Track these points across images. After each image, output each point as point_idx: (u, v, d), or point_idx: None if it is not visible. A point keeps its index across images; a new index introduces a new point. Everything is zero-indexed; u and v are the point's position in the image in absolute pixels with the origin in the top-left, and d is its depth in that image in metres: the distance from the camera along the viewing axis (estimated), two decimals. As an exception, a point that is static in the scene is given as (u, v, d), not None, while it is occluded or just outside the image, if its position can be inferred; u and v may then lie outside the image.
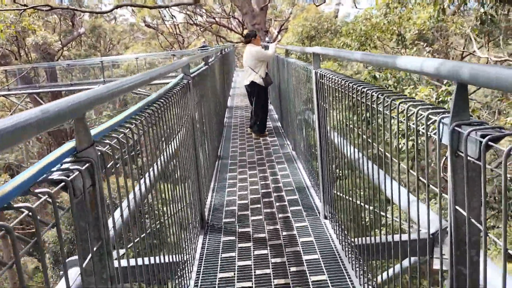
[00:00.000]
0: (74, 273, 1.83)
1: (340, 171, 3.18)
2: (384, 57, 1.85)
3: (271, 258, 3.24)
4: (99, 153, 1.33)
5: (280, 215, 4.03)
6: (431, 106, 1.54)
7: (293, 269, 3.05)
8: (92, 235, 1.29)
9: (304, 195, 4.52)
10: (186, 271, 2.91)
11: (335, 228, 3.49)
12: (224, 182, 5.19)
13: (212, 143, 5.72)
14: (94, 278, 1.28)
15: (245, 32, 16.66)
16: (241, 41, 26.32)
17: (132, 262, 1.98)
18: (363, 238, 2.66)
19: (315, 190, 4.49)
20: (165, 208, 2.49)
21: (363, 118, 2.41)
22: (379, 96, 1.95)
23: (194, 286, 2.94)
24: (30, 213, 0.91)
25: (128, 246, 2.09)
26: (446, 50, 14.49)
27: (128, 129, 1.68)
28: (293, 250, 3.32)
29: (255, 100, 7.29)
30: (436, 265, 1.88)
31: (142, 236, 1.96)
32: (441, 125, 1.36)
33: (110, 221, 1.47)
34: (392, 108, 1.83)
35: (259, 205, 4.33)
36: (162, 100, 2.42)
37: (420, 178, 1.63)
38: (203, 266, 3.20)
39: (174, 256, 2.61)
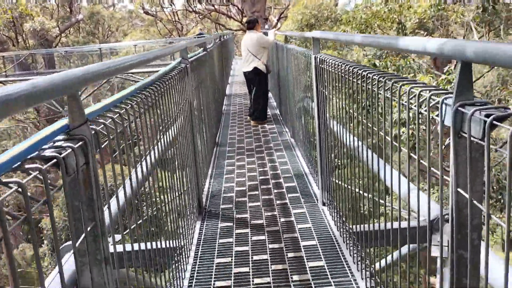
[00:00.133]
0: (72, 259, 1.80)
1: (339, 161, 3.15)
2: (386, 38, 1.82)
3: (268, 244, 3.22)
4: (93, 132, 1.29)
5: (278, 202, 4.02)
6: (433, 88, 1.51)
7: (290, 255, 3.04)
8: (86, 215, 1.26)
9: (302, 182, 4.50)
10: (184, 256, 2.89)
11: (333, 214, 3.47)
12: (222, 169, 5.17)
13: (210, 129, 5.69)
14: (88, 258, 1.26)
15: (245, 19, 16.53)
16: (240, 29, 26.13)
17: (128, 247, 1.96)
18: (362, 225, 2.64)
19: (313, 177, 4.47)
20: (162, 194, 2.46)
21: (363, 105, 2.37)
22: (381, 79, 1.92)
23: (191, 270, 2.93)
24: (20, 189, 0.88)
25: (124, 233, 2.07)
26: (447, 40, 14.31)
27: (124, 110, 1.64)
28: (290, 236, 3.31)
29: (256, 87, 7.20)
30: (435, 252, 1.87)
31: (138, 222, 1.93)
32: (444, 106, 1.33)
33: (106, 208, 1.44)
34: (393, 91, 1.80)
35: (257, 192, 4.31)
36: (159, 83, 2.38)
37: (422, 161, 1.60)
38: (200, 251, 3.19)
39: (171, 241, 2.59)
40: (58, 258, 1.02)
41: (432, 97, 1.41)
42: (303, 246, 3.15)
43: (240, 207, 3.98)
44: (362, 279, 2.63)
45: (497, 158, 10.30)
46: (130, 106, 1.73)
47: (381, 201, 2.46)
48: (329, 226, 3.42)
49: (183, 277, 2.79)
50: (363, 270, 2.62)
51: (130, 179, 1.83)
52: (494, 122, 1.07)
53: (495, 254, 2.45)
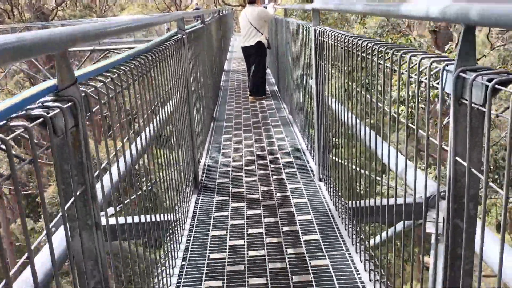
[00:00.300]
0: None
1: (337, 140, 3.12)
2: (387, 6, 1.76)
3: (264, 217, 3.22)
4: (83, 94, 1.25)
5: (275, 177, 4.00)
6: (434, 56, 1.46)
7: (285, 228, 3.04)
8: (76, 179, 1.23)
9: (299, 157, 4.48)
10: (178, 228, 2.89)
11: (329, 190, 3.46)
12: (219, 144, 5.14)
13: (207, 103, 5.63)
14: (78, 223, 1.23)
15: (244, -5, 16.24)
16: (240, 5, 25.75)
17: (122, 220, 1.93)
18: (357, 201, 2.62)
19: (310, 153, 4.45)
20: (157, 168, 2.44)
21: (362, 83, 2.33)
22: (381, 48, 1.87)
23: (186, 242, 2.93)
24: (3, 146, 0.85)
25: (118, 208, 2.05)
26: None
27: (116, 75, 1.60)
28: (286, 211, 3.30)
29: (257, 61, 7.07)
30: (430, 229, 1.85)
31: (132, 197, 1.91)
32: (445, 72, 1.29)
33: (99, 186, 1.40)
34: (394, 61, 1.76)
35: (253, 167, 4.29)
36: (154, 51, 2.33)
37: (420, 130, 1.57)
38: (196, 224, 3.19)
39: (165, 214, 2.57)
40: (44, 213, 0.99)
41: (433, 64, 1.37)
42: (299, 220, 3.14)
43: (236, 181, 3.96)
44: (357, 253, 2.63)
45: (495, 139, 10.29)
46: (123, 71, 1.68)
47: (378, 179, 2.44)
48: (325, 201, 3.41)
49: (178, 249, 2.79)
50: (358, 244, 2.62)
51: (123, 150, 1.80)
52: (497, 86, 1.04)
53: (489, 231, 2.45)
